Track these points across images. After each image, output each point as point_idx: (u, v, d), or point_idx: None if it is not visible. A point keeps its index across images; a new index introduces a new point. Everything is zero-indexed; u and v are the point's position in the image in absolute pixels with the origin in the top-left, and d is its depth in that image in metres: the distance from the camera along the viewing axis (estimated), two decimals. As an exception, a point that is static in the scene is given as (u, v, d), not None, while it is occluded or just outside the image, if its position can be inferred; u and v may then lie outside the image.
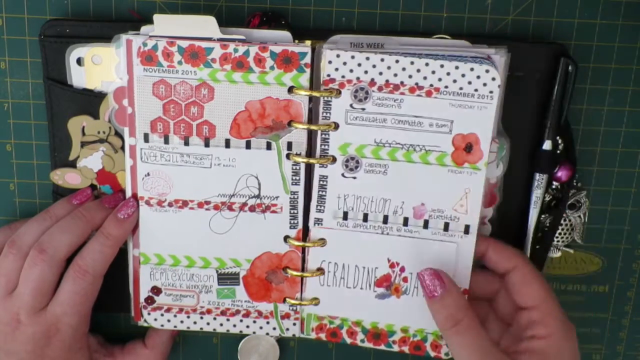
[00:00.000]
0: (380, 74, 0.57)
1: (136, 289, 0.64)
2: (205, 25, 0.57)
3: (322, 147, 0.59)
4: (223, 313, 0.64)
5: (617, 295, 0.69)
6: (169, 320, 0.64)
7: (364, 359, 0.70)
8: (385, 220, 0.60)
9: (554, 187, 0.64)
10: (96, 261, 0.59)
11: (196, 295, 0.63)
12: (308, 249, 0.62)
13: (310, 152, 0.60)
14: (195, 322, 0.64)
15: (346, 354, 0.70)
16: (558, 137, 0.62)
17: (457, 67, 0.56)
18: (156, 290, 0.63)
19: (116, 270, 0.63)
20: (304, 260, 0.63)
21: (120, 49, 0.58)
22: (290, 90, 0.58)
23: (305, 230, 0.62)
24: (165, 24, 0.57)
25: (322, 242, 0.62)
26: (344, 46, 0.58)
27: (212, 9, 0.61)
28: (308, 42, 0.58)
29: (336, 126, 0.59)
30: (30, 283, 0.59)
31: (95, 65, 0.60)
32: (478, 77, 0.56)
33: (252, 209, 0.61)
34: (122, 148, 0.61)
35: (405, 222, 0.60)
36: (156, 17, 0.57)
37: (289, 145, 0.59)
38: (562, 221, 0.66)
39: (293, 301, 0.63)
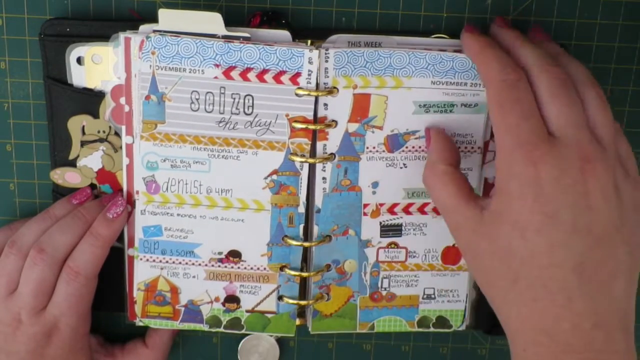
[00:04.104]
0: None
1: (130, 289, 0.64)
2: (210, 22, 0.57)
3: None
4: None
5: (617, 295, 0.69)
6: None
7: (363, 359, 0.70)
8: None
9: (554, 186, 0.64)
10: (87, 262, 0.59)
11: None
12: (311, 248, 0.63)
13: (312, 152, 0.60)
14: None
15: (346, 354, 0.70)
16: (558, 137, 0.62)
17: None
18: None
19: (116, 270, 0.63)
20: (306, 260, 0.63)
21: (118, 48, 0.58)
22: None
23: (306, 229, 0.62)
24: (170, 19, 0.57)
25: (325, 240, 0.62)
26: (341, 45, 0.58)
27: (212, 8, 0.61)
28: (308, 42, 0.58)
29: (336, 124, 0.59)
30: (31, 283, 0.59)
31: (96, 65, 0.60)
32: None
33: None
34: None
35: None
36: (161, 12, 0.57)
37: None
38: (562, 221, 0.66)
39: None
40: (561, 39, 0.62)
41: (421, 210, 0.62)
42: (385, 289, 0.64)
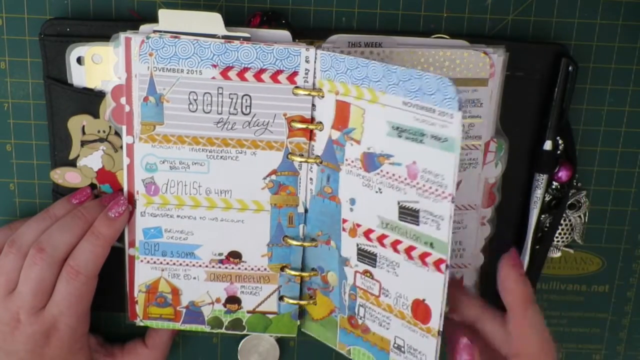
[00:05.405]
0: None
1: (131, 288, 0.64)
2: (210, 22, 0.57)
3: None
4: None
5: (617, 295, 0.69)
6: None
7: (363, 359, 0.70)
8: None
9: (554, 187, 0.64)
10: (88, 261, 0.59)
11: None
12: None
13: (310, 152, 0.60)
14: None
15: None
16: (558, 137, 0.63)
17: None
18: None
19: (116, 270, 0.63)
20: (303, 259, 0.63)
21: (118, 48, 0.58)
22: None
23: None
24: (169, 19, 0.57)
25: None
26: (341, 46, 0.58)
27: (212, 8, 0.61)
28: (308, 42, 0.58)
29: (323, 127, 0.59)
30: (30, 282, 0.58)
31: (96, 64, 0.60)
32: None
33: None
34: (122, 147, 0.61)
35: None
36: (161, 12, 0.57)
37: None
38: (562, 221, 0.66)
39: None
40: (561, 39, 0.62)
41: (394, 246, 0.58)
42: (361, 318, 0.61)
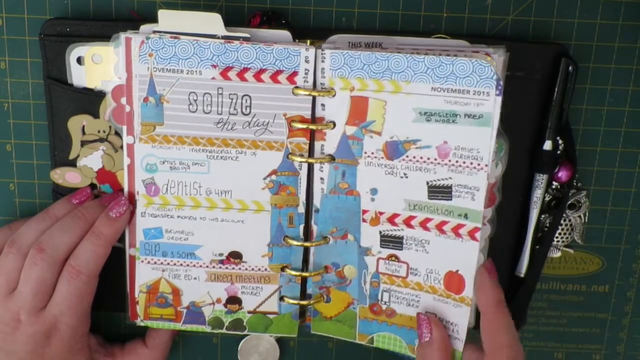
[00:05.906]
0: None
1: (132, 288, 0.64)
2: (210, 22, 0.57)
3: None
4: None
5: (617, 295, 0.69)
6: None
7: (364, 359, 0.70)
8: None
9: (554, 187, 0.64)
10: (89, 261, 0.59)
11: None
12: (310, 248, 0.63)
13: (310, 151, 0.60)
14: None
15: (346, 353, 0.70)
16: (558, 137, 0.62)
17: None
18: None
19: (116, 270, 0.63)
20: (306, 260, 0.63)
21: (119, 48, 0.58)
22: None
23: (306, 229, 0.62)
24: (169, 19, 0.57)
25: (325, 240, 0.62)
26: (342, 46, 0.58)
27: (212, 8, 0.61)
28: (308, 42, 0.58)
29: (334, 126, 0.59)
30: (31, 282, 0.59)
31: (96, 64, 0.60)
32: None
33: None
34: (122, 147, 0.61)
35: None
36: (161, 13, 0.57)
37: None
38: (562, 221, 0.66)
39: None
40: (561, 39, 0.62)
41: (423, 225, 0.59)
42: (385, 302, 0.62)
